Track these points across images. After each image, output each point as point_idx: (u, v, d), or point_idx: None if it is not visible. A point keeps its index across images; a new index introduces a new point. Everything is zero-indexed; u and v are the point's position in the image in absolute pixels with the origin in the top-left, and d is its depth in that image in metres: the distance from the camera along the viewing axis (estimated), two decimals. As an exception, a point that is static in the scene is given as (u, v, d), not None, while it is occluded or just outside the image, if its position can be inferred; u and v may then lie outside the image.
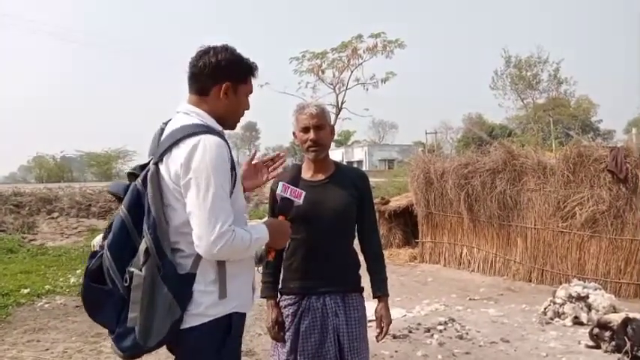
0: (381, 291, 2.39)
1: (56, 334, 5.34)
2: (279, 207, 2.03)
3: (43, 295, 7.06)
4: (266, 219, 2.05)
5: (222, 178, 1.68)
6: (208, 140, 1.69)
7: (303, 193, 2.03)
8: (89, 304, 1.80)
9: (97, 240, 8.09)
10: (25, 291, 7.16)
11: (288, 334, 2.30)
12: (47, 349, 4.85)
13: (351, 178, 2.39)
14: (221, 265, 1.74)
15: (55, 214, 13.98)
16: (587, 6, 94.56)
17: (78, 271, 8.76)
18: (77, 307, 6.49)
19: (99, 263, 1.77)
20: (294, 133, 2.40)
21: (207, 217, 1.64)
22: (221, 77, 1.81)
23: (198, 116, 1.80)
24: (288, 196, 2.00)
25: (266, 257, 1.96)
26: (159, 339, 1.69)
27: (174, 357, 1.85)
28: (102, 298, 1.75)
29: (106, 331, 5.49)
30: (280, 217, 1.98)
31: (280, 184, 2.04)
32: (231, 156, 1.75)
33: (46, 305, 6.60)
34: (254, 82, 1.93)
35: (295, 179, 2.10)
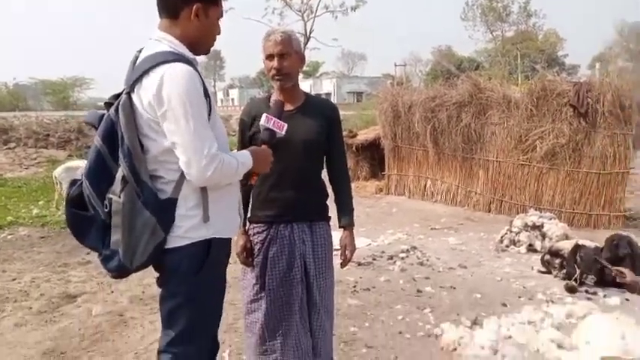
0: (346, 220, 2.45)
1: (22, 265, 5.32)
2: (261, 137, 2.05)
3: (6, 227, 6.96)
4: (250, 147, 2.06)
5: (199, 105, 1.70)
6: (179, 68, 1.68)
7: (286, 126, 2.07)
8: (74, 230, 1.86)
9: (59, 171, 7.90)
10: (-14, 222, 7.03)
11: (257, 260, 2.36)
12: (14, 279, 4.84)
13: (321, 109, 2.39)
14: (203, 190, 1.79)
15: (12, 145, 13.50)
16: None
17: (40, 202, 8.63)
18: (42, 238, 6.45)
19: (79, 191, 1.81)
20: (264, 61, 2.35)
21: (193, 144, 1.67)
22: None
23: (169, 43, 1.78)
24: (271, 127, 2.05)
25: (249, 181, 2.01)
26: (143, 260, 1.75)
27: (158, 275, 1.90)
28: (85, 223, 1.81)
29: (73, 260, 5.50)
30: (264, 146, 2.03)
31: (264, 115, 2.07)
32: (204, 84, 1.75)
33: (9, 237, 6.53)
34: (224, 5, 1.90)
35: (279, 114, 2.12)
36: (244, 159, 1.85)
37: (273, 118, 2.06)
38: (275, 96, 2.35)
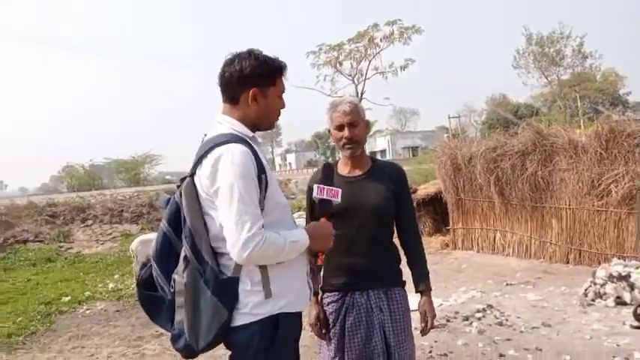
0: (423, 285, 2.37)
1: (99, 340, 5.47)
2: (318, 209, 2.02)
3: (84, 302, 7.24)
4: (305, 224, 2.03)
5: (246, 185, 1.71)
6: (232, 149, 1.73)
7: (340, 191, 2.02)
8: (146, 310, 1.93)
9: (134, 244, 8.25)
10: (66, 299, 7.36)
11: (333, 331, 2.29)
12: (92, 355, 4.98)
13: (388, 172, 2.38)
14: (263, 265, 1.78)
15: (89, 222, 14.34)
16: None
17: (115, 276, 8.98)
18: (117, 311, 6.65)
19: (149, 272, 1.89)
20: (329, 131, 2.40)
21: (234, 222, 1.68)
22: (247, 84, 1.85)
23: (230, 125, 1.86)
24: (325, 197, 2.00)
25: (316, 261, 1.98)
26: (208, 340, 1.75)
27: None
28: (155, 303, 1.88)
29: (147, 333, 5.61)
30: (322, 219, 1.98)
31: (315, 186, 2.02)
32: (260, 161, 1.77)
33: (88, 311, 6.78)
34: (285, 81, 1.95)
35: (329, 178, 2.07)
36: (296, 237, 1.81)
37: (325, 187, 2.01)
38: (342, 163, 2.37)
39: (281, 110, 1.98)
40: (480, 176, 8.39)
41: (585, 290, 5.56)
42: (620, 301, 5.23)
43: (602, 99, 34.76)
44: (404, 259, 2.43)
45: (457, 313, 5.31)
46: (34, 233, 13.11)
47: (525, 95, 41.64)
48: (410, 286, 2.41)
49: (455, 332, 4.77)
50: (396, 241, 2.44)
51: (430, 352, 4.29)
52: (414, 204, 10.12)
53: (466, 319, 5.11)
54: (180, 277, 1.78)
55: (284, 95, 1.97)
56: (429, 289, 2.38)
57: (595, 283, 5.53)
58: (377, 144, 54.34)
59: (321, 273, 2.38)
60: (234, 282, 1.76)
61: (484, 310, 5.34)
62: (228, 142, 1.75)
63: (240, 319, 1.76)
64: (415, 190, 10.51)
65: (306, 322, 2.30)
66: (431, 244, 9.65)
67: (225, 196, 1.69)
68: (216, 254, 1.78)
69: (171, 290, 1.80)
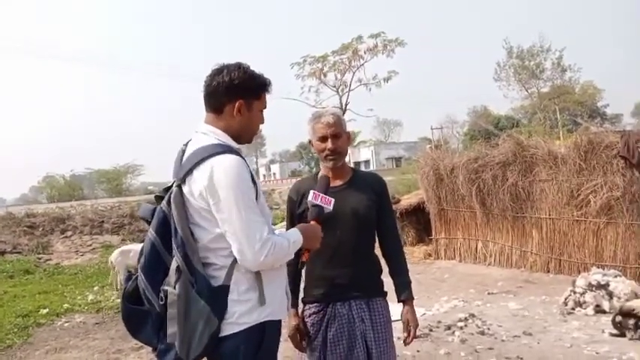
0: (406, 294, 2.37)
1: (78, 353, 5.37)
2: (310, 214, 2.07)
3: (62, 315, 7.10)
4: (299, 225, 2.07)
5: (248, 193, 1.75)
6: (228, 159, 1.75)
7: (333, 201, 2.10)
8: (129, 325, 1.88)
9: (114, 255, 8.15)
10: (44, 311, 7.21)
11: (314, 342, 2.28)
12: (70, 369, 4.87)
13: (369, 183, 2.39)
14: (257, 273, 1.80)
15: (69, 233, 14.10)
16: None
17: (95, 288, 8.83)
18: (96, 324, 6.54)
19: (135, 285, 1.84)
20: (310, 142, 2.40)
21: (245, 232, 1.71)
22: (234, 95, 1.86)
23: (215, 136, 1.86)
24: (318, 203, 2.07)
25: (301, 258, 2.02)
26: (199, 351, 1.74)
27: None
28: (141, 318, 1.83)
29: (126, 346, 5.52)
30: (312, 222, 2.05)
31: (311, 192, 2.10)
32: (250, 170, 1.81)
33: (66, 324, 6.64)
34: (268, 97, 1.98)
35: (326, 189, 2.14)
36: (295, 237, 1.88)
37: (320, 194, 2.09)
38: (323, 174, 2.36)
39: (260, 126, 1.99)
40: (462, 187, 8.48)
41: (565, 299, 5.63)
42: (599, 310, 5.31)
43: (581, 111, 35.41)
44: (385, 269, 2.43)
45: (439, 322, 5.33)
46: (12, 244, 12.85)
47: (506, 107, 42.20)
48: (392, 296, 2.41)
49: (437, 342, 4.78)
50: (377, 251, 2.44)
51: (413, 361, 4.29)
52: (397, 214, 10.21)
53: (448, 328, 5.13)
54: (172, 288, 1.75)
55: (264, 111, 1.99)
56: (412, 298, 2.38)
57: (575, 292, 5.61)
58: (361, 154, 54.50)
59: (300, 284, 2.37)
60: (225, 290, 1.77)
61: (466, 319, 5.37)
62: (220, 153, 1.76)
63: (227, 329, 1.76)
64: (398, 201, 10.58)
65: (286, 332, 2.30)
66: (414, 253, 9.71)
67: (231, 207, 1.70)
68: (203, 264, 1.78)
69: (161, 302, 1.77)
